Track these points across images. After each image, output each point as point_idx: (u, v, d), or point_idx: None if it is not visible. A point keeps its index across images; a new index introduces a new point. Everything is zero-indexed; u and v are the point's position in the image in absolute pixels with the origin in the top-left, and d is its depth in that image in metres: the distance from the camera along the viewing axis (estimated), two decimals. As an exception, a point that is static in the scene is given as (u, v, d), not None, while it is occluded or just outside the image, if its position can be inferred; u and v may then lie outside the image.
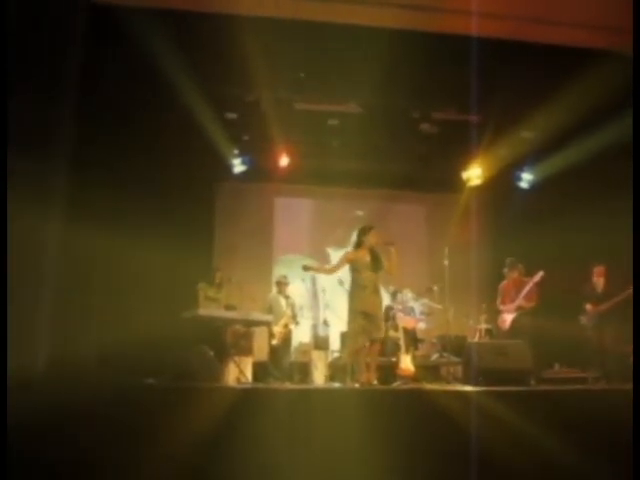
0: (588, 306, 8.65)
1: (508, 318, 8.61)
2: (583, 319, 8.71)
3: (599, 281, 8.70)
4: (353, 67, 8.44)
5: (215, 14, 7.44)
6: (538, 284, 8.51)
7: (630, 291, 8.06)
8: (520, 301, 8.52)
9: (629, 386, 6.03)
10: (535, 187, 11.28)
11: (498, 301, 8.88)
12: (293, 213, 12.17)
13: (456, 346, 8.94)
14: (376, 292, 6.81)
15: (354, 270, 6.83)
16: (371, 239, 6.84)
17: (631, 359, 7.86)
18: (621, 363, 7.88)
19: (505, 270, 8.94)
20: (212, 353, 6.97)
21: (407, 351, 8.72)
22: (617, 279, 8.46)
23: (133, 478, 4.33)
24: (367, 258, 6.80)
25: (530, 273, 8.62)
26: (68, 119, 6.40)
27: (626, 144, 8.60)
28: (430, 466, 4.74)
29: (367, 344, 6.67)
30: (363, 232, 6.95)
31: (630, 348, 7.95)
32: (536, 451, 4.77)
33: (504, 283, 8.92)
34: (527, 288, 8.52)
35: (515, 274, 8.79)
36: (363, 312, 6.64)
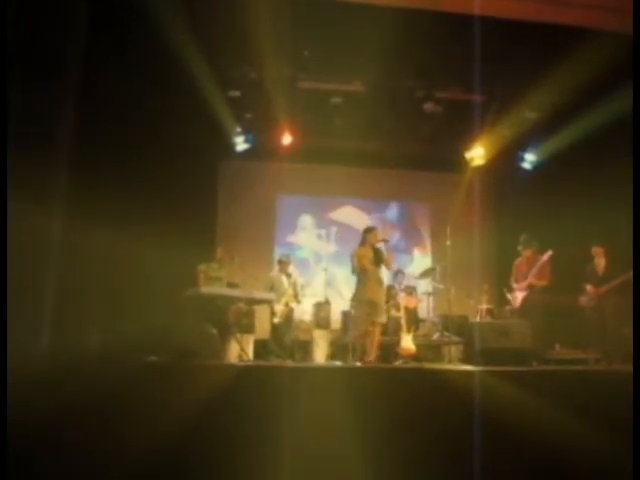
0: (588, 287, 8.65)
1: (519, 296, 8.60)
2: (583, 300, 8.71)
3: (600, 262, 8.69)
4: (357, 46, 8.38)
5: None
6: (549, 262, 8.47)
7: (631, 274, 8.08)
8: (531, 279, 8.50)
9: (629, 367, 6.07)
10: (538, 168, 11.25)
11: (512, 279, 8.85)
12: (295, 191, 12.15)
13: (457, 326, 8.96)
14: (378, 283, 7.65)
15: (360, 264, 7.58)
16: (372, 238, 7.69)
17: (630, 340, 7.91)
18: (621, 344, 7.91)
19: (519, 247, 8.87)
20: (214, 331, 7.00)
21: (408, 330, 8.76)
22: (618, 261, 8.46)
23: (136, 453, 4.37)
24: (370, 254, 7.60)
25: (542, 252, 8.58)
26: (69, 105, 6.40)
27: (629, 125, 8.62)
28: (430, 444, 4.78)
29: (370, 328, 7.40)
30: (367, 231, 7.83)
31: (629, 329, 8.00)
32: (537, 430, 4.81)
33: (518, 260, 8.84)
34: (537, 267, 8.48)
35: (529, 252, 8.71)
36: (368, 300, 7.44)
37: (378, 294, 7.61)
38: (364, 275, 7.55)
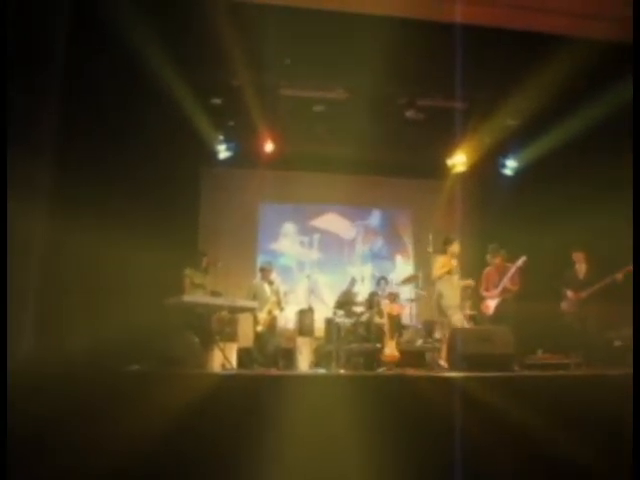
0: (569, 292, 8.73)
1: (492, 304, 8.66)
2: (564, 305, 8.78)
3: (581, 267, 8.77)
4: (339, 53, 8.42)
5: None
6: (521, 269, 8.57)
7: (610, 279, 8.19)
8: (505, 283, 8.57)
9: (611, 372, 6.10)
10: (519, 174, 11.33)
11: (482, 287, 8.92)
12: (278, 198, 12.15)
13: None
14: (459, 289, 8.29)
15: (447, 273, 8.13)
16: (454, 248, 8.27)
17: (613, 344, 7.99)
18: (602, 349, 7.97)
19: (488, 256, 8.98)
20: (197, 339, 6.98)
21: (392, 337, 8.76)
22: (599, 266, 8.54)
23: (118, 462, 4.34)
24: (451, 264, 8.21)
25: (514, 259, 8.67)
26: (52, 110, 6.36)
27: (608, 132, 8.71)
28: (414, 451, 4.78)
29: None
30: (447, 242, 8.36)
31: (612, 333, 8.09)
32: (519, 436, 4.82)
33: (487, 269, 8.95)
34: (510, 273, 8.57)
35: (498, 260, 8.82)
36: (455, 307, 8.04)
37: (459, 300, 8.22)
38: (447, 283, 8.06)
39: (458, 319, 7.94)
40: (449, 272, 8.15)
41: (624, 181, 8.43)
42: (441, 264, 8.10)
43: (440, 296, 8.05)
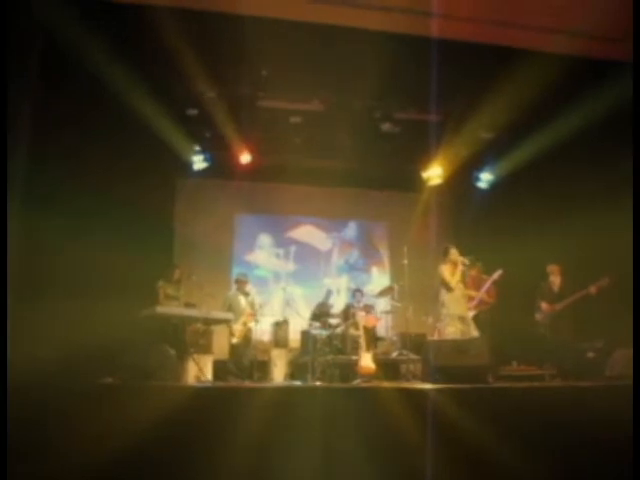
0: (543, 304, 8.78)
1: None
2: (538, 317, 8.84)
3: (555, 280, 8.83)
4: (316, 65, 8.46)
5: (178, 9, 7.36)
6: (496, 282, 8.62)
7: (584, 291, 8.27)
8: (481, 296, 8.61)
9: (584, 383, 6.15)
10: (494, 187, 11.41)
11: None
12: (254, 210, 12.12)
13: (416, 344, 8.99)
14: (464, 298, 8.24)
15: (446, 281, 8.11)
16: (453, 255, 8.22)
17: (587, 356, 8.05)
18: (576, 360, 8.03)
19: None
20: (172, 352, 6.92)
21: (367, 349, 8.74)
22: (573, 278, 8.61)
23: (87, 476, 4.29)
24: (453, 271, 8.16)
25: (490, 271, 8.72)
26: (26, 118, 6.31)
27: (581, 145, 8.81)
28: (388, 462, 4.78)
29: None
30: (446, 251, 8.32)
31: (585, 345, 8.15)
32: (492, 447, 4.84)
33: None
34: (486, 286, 8.61)
35: (474, 272, 8.87)
36: (460, 316, 8.00)
37: (466, 310, 8.18)
38: (451, 291, 8.03)
39: (452, 330, 7.91)
40: (456, 280, 8.18)
41: (599, 194, 8.57)
42: (450, 273, 8.12)
43: (442, 305, 8.08)
